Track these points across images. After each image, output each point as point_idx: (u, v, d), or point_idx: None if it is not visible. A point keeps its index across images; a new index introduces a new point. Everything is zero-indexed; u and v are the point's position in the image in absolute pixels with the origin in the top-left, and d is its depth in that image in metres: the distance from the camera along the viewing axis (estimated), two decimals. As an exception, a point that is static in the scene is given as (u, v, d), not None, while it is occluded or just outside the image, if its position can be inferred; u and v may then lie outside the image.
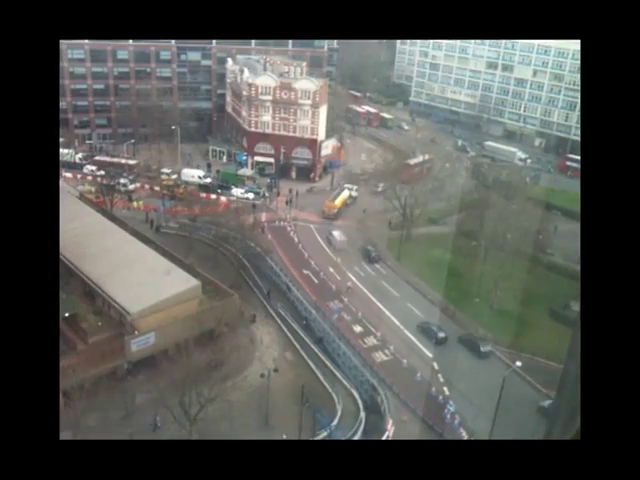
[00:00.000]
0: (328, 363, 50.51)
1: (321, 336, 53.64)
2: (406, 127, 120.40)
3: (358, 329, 54.66)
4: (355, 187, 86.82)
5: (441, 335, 53.39)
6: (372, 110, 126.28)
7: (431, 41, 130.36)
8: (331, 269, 65.77)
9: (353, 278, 64.12)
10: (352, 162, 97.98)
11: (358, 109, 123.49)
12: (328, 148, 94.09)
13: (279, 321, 56.36)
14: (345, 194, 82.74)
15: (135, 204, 77.55)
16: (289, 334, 54.48)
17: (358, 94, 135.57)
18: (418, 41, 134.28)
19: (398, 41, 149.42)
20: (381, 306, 59.10)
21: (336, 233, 71.76)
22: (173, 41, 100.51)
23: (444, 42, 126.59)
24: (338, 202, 79.69)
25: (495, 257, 58.73)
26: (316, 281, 62.85)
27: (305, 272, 64.28)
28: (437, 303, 59.41)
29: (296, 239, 72.00)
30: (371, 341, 53.10)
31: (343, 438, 41.56)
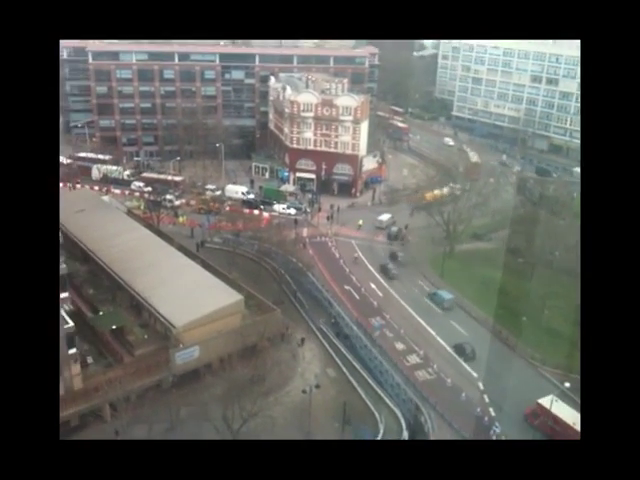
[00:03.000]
0: (370, 380, 49.97)
1: (362, 352, 53.18)
2: (451, 142, 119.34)
3: (400, 346, 53.92)
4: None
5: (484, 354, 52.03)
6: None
7: (474, 55, 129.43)
8: (372, 285, 65.34)
9: (395, 294, 63.49)
10: (394, 177, 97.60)
11: (400, 124, 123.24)
12: (369, 164, 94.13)
13: (320, 337, 56.23)
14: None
15: (180, 219, 79.26)
16: (330, 350, 54.25)
17: (400, 109, 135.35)
18: (460, 56, 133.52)
19: (440, 56, 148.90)
20: (424, 323, 58.22)
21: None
22: (217, 60, 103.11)
23: (487, 56, 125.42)
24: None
25: (543, 275, 57.16)
26: (357, 297, 62.53)
27: (346, 287, 64.08)
28: (482, 321, 58.11)
29: (337, 254, 71.97)
30: (414, 359, 52.26)
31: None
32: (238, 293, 52.81)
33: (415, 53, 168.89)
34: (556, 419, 42.09)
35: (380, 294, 63.49)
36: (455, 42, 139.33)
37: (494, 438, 42.72)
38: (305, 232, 77.57)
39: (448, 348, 54.18)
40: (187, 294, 50.81)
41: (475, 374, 50.72)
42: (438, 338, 55.73)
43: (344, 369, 51.56)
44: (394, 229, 77.82)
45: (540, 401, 43.99)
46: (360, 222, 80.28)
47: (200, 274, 55.24)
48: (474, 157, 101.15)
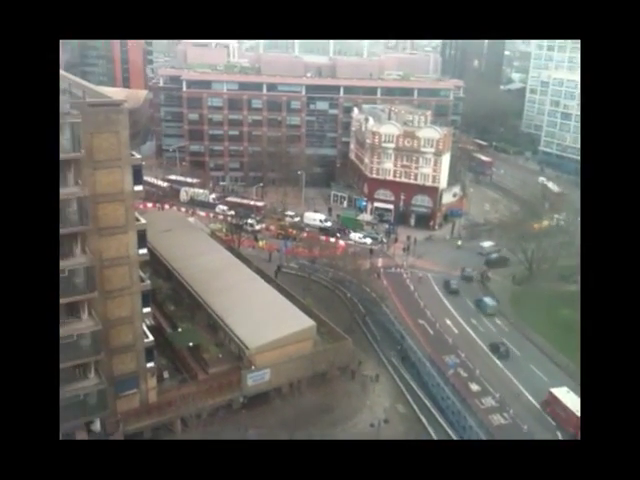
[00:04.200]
0: (441, 420, 48.29)
1: (434, 390, 51.61)
2: (539, 178, 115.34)
3: (475, 387, 51.82)
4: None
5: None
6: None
7: (563, 90, 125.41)
8: (448, 321, 63.63)
9: (471, 332, 61.43)
10: (475, 211, 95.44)
11: (483, 158, 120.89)
12: (449, 196, 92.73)
13: (391, 370, 55.24)
14: None
15: (260, 243, 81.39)
16: (401, 385, 53.09)
17: (484, 143, 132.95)
18: (549, 90, 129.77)
19: (528, 90, 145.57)
20: (501, 365, 55.79)
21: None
22: (304, 91, 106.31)
23: (577, 92, 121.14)
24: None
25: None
26: (431, 332, 61.02)
27: (420, 322, 62.78)
28: (564, 367, 54.85)
29: (412, 287, 70.87)
30: (489, 402, 50.00)
31: None
32: (311, 319, 53.14)
33: (502, 87, 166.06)
34: (565, 408, 46.88)
35: (456, 331, 61.66)
36: (545, 76, 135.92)
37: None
38: (380, 262, 77.15)
39: (526, 393, 51.49)
40: (262, 317, 51.75)
41: (554, 422, 47.79)
42: (515, 381, 53.13)
43: (414, 406, 50.20)
44: (494, 256, 77.48)
45: (552, 390, 48.95)
46: (459, 242, 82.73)
47: (275, 298, 56.18)
48: (560, 193, 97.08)
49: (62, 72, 54.19)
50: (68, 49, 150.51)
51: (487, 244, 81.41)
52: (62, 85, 45.59)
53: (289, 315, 53.11)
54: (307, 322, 52.49)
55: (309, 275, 70.10)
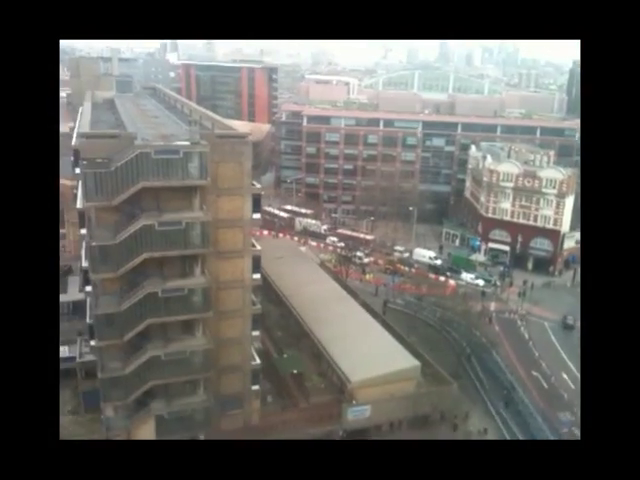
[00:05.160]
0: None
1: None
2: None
3: (594, 451, 47.11)
4: None
5: None
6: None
7: None
8: (564, 375, 58.85)
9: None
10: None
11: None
12: (572, 241, 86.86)
13: (499, 422, 51.89)
14: None
15: (367, 277, 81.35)
16: (509, 439, 49.62)
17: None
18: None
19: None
20: (625, 430, 50.30)
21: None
22: (420, 128, 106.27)
23: None
24: None
25: None
26: (545, 386, 56.74)
27: (534, 373, 58.67)
28: None
29: (527, 335, 66.69)
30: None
31: None
32: (415, 359, 51.74)
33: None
34: None
35: (572, 387, 56.77)
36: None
37: None
38: (492, 306, 73.67)
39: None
40: (366, 351, 51.27)
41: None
42: None
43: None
44: None
45: None
46: None
47: (380, 333, 55.52)
48: None
49: (193, 104, 58.90)
50: (202, 83, 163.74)
51: None
52: (194, 116, 49.42)
53: (393, 352, 52.12)
54: (411, 361, 51.17)
55: (415, 313, 68.60)
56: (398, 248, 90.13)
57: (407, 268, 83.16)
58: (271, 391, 50.94)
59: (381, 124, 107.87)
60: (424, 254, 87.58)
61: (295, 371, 51.99)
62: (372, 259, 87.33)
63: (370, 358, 50.26)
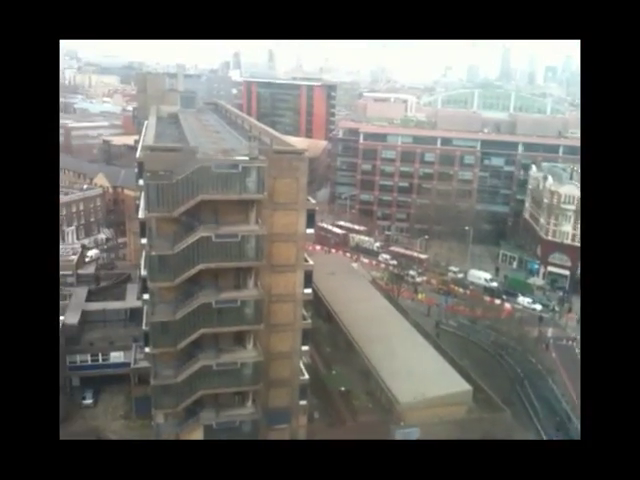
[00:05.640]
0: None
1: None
2: None
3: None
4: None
5: None
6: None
7: None
8: (628, 409, 55.68)
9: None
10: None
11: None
12: None
13: (555, 454, 49.58)
14: None
15: (419, 296, 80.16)
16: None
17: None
18: None
19: None
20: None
21: None
22: (479, 147, 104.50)
23: None
24: None
25: None
26: (606, 419, 53.84)
27: (593, 405, 55.81)
28: None
29: (586, 364, 63.65)
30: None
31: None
32: (467, 383, 50.34)
33: None
34: None
35: (636, 422, 53.60)
36: None
37: None
38: (550, 332, 70.88)
39: None
40: (416, 372, 50.34)
41: None
42: None
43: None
44: None
45: None
46: None
47: (431, 355, 54.46)
48: None
49: (253, 120, 60.20)
50: (262, 100, 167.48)
51: None
52: (253, 132, 50.52)
53: (444, 375, 50.95)
54: (463, 385, 49.83)
55: (469, 336, 66.90)
56: (452, 268, 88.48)
57: (461, 289, 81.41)
58: (318, 407, 50.74)
59: (438, 142, 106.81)
60: (479, 275, 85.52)
61: (343, 388, 51.62)
62: (425, 278, 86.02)
63: (420, 379, 49.30)
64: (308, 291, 42.18)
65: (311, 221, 40.73)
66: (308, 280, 41.75)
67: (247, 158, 36.37)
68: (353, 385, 52.22)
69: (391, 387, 48.63)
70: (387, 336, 57.03)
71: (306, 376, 44.59)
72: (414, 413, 46.80)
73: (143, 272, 39.95)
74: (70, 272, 62.46)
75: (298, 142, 76.21)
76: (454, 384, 49.78)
